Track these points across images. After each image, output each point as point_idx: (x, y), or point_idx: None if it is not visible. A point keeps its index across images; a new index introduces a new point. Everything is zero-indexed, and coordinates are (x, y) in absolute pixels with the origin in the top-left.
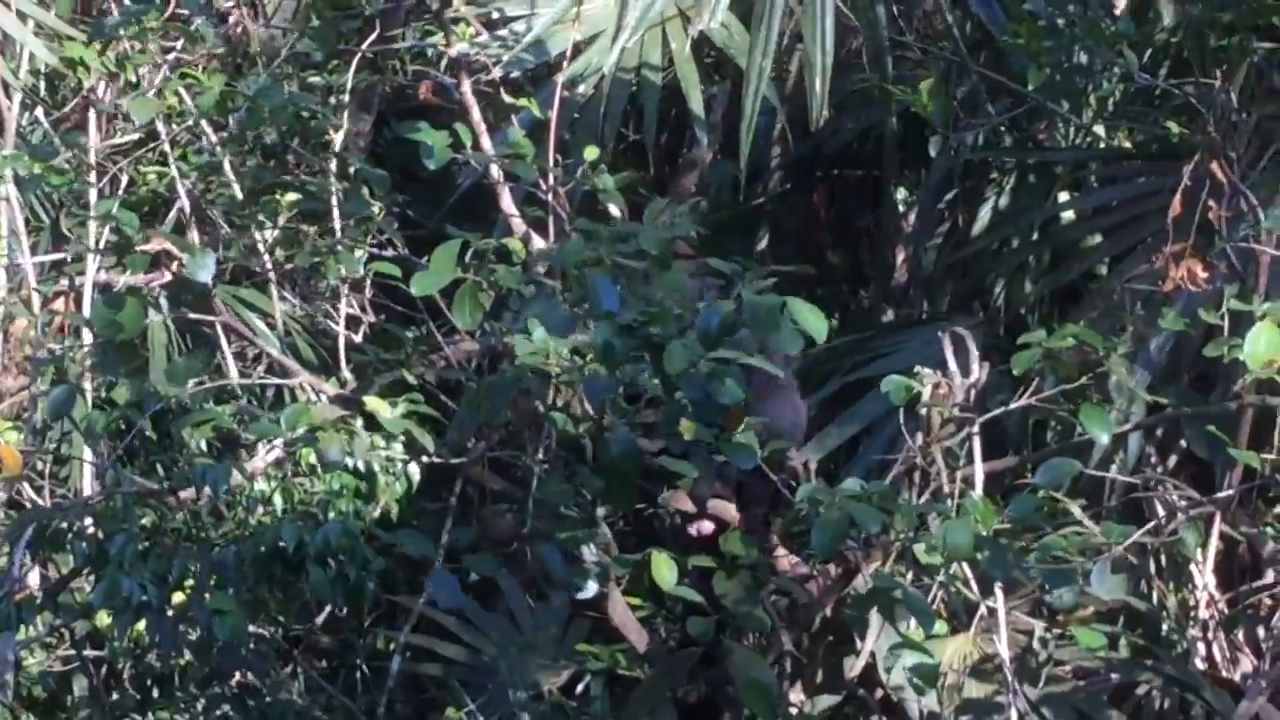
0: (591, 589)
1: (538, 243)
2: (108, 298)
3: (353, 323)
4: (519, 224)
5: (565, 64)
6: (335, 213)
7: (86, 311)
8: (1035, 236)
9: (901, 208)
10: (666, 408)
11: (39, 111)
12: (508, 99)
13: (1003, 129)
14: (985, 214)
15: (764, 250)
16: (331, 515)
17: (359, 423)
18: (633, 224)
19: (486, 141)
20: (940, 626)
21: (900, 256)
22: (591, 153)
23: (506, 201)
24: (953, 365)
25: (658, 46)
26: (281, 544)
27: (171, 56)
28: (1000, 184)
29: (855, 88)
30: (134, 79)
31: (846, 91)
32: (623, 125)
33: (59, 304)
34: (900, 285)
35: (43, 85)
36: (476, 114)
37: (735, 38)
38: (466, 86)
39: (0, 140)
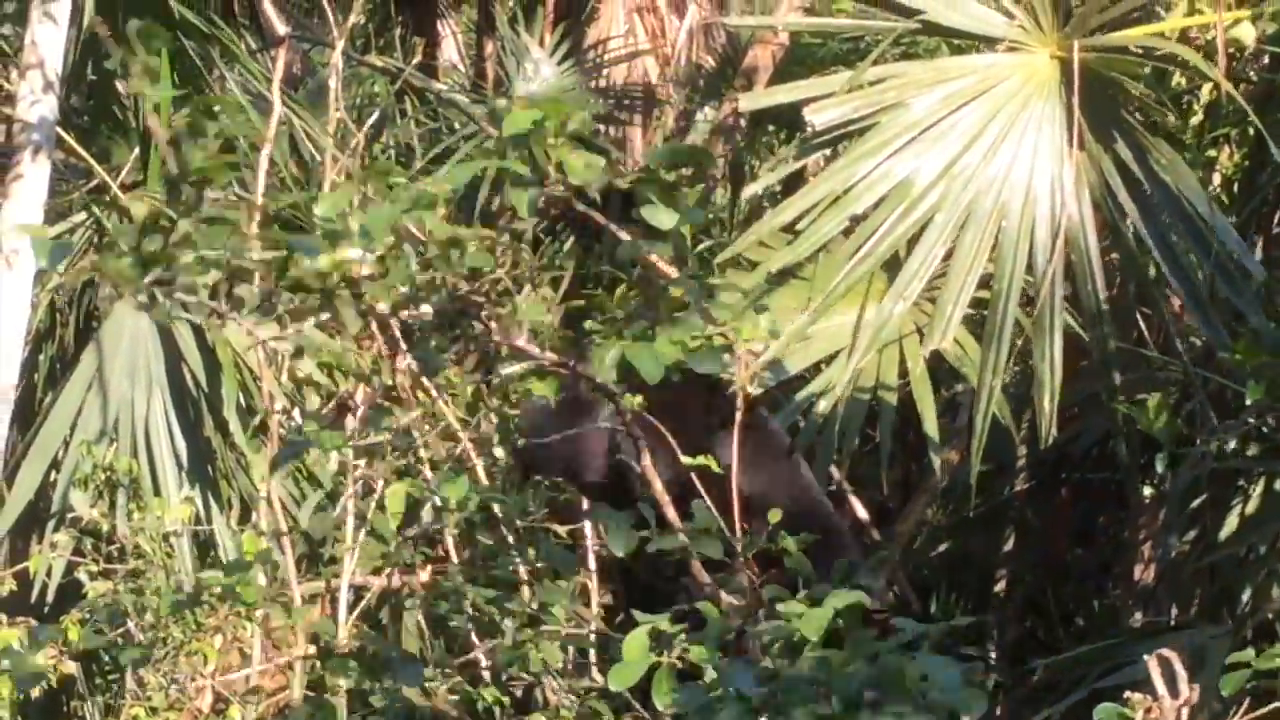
0: None
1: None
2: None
3: None
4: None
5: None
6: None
7: (341, 612)
8: None
9: (1147, 502)
10: None
11: (296, 412)
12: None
13: (1249, 433)
14: (1233, 519)
15: (1009, 551)
16: None
17: None
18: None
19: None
20: None
21: (1146, 558)
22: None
23: (697, 567)
24: (1161, 689)
25: (895, 364)
26: None
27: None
28: (1247, 490)
29: (1095, 390)
30: (389, 382)
31: (1087, 395)
32: (868, 425)
33: (315, 606)
34: (1147, 587)
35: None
36: (659, 485)
37: (968, 353)
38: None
39: (264, 438)
